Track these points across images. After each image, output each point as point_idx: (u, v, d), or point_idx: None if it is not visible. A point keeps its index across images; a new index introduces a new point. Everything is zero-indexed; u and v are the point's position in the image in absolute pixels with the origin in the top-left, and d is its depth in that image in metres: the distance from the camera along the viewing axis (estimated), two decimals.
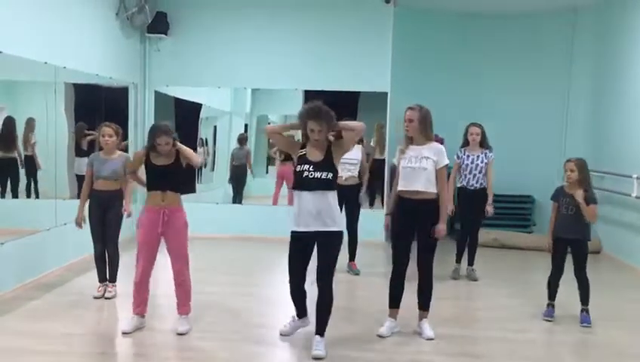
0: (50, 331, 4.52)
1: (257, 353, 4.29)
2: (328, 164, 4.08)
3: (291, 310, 4.55)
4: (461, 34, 9.17)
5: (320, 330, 4.13)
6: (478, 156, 6.32)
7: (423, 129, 4.48)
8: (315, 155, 4.09)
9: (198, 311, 4.86)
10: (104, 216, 5.30)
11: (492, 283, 6.37)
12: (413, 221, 4.43)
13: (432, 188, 4.41)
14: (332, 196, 4.08)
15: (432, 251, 4.50)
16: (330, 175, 4.05)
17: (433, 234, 4.39)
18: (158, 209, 4.44)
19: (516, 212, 9.01)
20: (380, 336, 4.52)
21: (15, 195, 5.86)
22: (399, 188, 4.51)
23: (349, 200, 6.39)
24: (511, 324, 5.02)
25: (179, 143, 4.49)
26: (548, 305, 5.15)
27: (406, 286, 4.61)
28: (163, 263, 4.64)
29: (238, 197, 8.99)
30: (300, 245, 4.14)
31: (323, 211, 4.01)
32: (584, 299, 5.03)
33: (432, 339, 4.50)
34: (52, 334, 4.46)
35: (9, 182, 5.82)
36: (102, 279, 5.47)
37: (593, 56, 8.64)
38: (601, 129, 8.36)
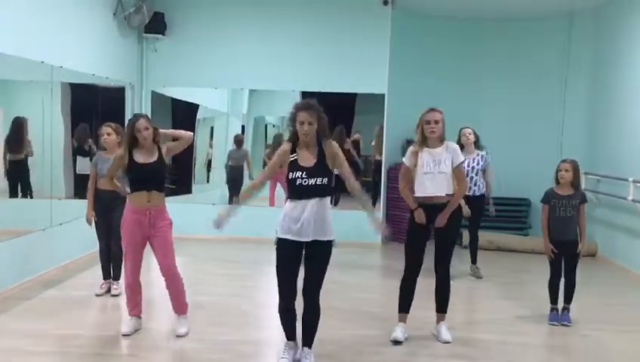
0: (45, 331, 4.49)
1: (254, 354, 4.29)
2: (322, 167, 3.75)
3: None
4: (458, 36, 9.17)
5: (308, 342, 3.95)
6: (474, 159, 6.32)
7: (443, 130, 4.42)
8: (307, 159, 3.77)
9: (194, 312, 4.83)
10: (108, 214, 5.31)
11: (488, 286, 6.37)
12: (430, 224, 4.37)
13: (451, 191, 4.38)
14: (327, 203, 3.78)
15: (451, 253, 4.46)
16: (325, 180, 3.73)
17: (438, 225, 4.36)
18: (144, 209, 4.32)
19: (512, 214, 9.00)
20: (397, 341, 4.41)
21: (25, 195, 5.88)
22: (418, 193, 4.36)
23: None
24: (507, 327, 5.02)
25: (162, 130, 4.39)
26: (552, 309, 5.14)
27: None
28: (156, 264, 4.57)
29: (234, 199, 8.97)
30: (290, 254, 3.79)
31: (317, 220, 3.71)
32: (569, 298, 5.08)
33: (448, 342, 4.47)
34: (47, 334, 4.44)
35: (19, 184, 5.85)
36: (106, 276, 5.51)
37: (590, 60, 8.66)
38: (598, 132, 8.38)
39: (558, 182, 5.03)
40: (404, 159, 4.53)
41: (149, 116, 8.20)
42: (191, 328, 4.57)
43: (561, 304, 5.12)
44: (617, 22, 7.97)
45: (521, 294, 6.03)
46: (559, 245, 5.02)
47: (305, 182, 3.69)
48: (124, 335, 4.41)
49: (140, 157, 4.35)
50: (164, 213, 4.45)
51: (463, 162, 4.53)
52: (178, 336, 4.43)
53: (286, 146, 3.85)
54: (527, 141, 9.04)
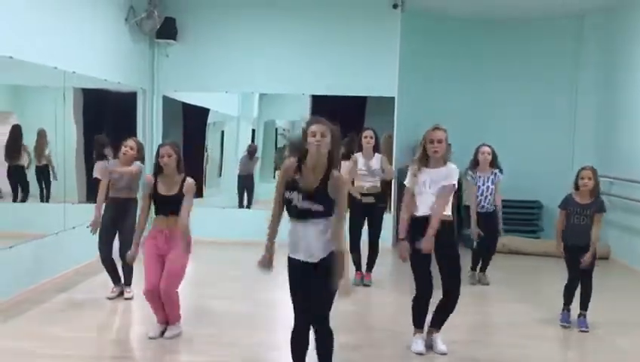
0: (58, 334, 4.53)
1: (259, 356, 4.32)
2: (321, 195, 3.35)
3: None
4: (468, 39, 9.15)
5: None
6: (488, 177, 6.33)
7: (447, 149, 4.30)
8: (309, 182, 3.37)
9: (202, 316, 4.87)
10: (118, 221, 5.37)
11: (501, 289, 6.35)
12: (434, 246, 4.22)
13: (449, 210, 4.29)
14: (326, 224, 3.40)
15: (459, 273, 4.34)
16: (321, 207, 3.35)
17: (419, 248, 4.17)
18: (162, 230, 4.57)
19: (524, 218, 8.96)
20: (420, 354, 4.33)
21: (24, 200, 5.91)
22: (419, 213, 4.25)
23: (372, 211, 6.24)
24: (520, 329, 5.00)
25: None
26: (564, 310, 5.12)
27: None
28: None
29: (246, 205, 9.00)
30: (298, 273, 3.51)
31: (313, 242, 3.42)
32: (585, 304, 5.01)
33: (444, 354, 4.35)
34: (59, 337, 4.47)
35: (19, 189, 5.87)
36: (116, 281, 5.53)
37: (601, 61, 8.61)
38: (610, 135, 8.32)
39: (577, 188, 4.97)
40: (405, 182, 4.40)
41: (161, 122, 8.40)
42: (198, 331, 4.63)
43: (577, 310, 5.05)
44: (629, 22, 7.92)
45: (535, 297, 6.00)
46: (574, 250, 4.96)
47: (300, 204, 3.37)
48: (150, 338, 4.49)
49: (162, 188, 4.56)
50: (179, 233, 4.55)
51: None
52: (165, 338, 4.51)
53: (289, 162, 3.45)
54: (539, 143, 9.00)
